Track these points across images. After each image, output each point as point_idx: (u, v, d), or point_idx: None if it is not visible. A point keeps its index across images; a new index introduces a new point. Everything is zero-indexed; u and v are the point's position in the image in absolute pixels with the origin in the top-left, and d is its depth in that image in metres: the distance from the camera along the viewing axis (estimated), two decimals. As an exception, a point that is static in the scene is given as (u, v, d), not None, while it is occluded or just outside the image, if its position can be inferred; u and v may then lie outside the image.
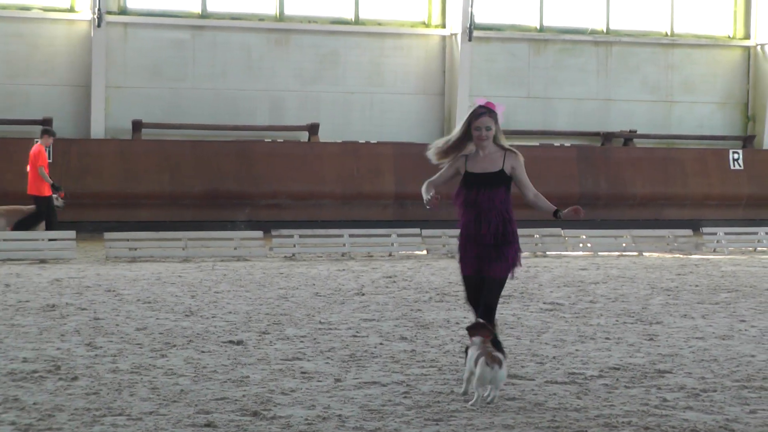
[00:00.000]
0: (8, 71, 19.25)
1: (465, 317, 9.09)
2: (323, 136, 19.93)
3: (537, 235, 16.18)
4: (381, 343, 7.78)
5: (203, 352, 7.38)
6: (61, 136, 18.67)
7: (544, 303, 10.12)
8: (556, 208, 6.51)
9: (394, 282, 11.85)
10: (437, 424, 5.37)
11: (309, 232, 15.67)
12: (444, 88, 21.20)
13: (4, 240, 14.38)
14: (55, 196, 15.49)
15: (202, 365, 6.89)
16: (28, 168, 15.48)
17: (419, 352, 7.42)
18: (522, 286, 11.47)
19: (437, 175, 6.64)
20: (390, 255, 15.50)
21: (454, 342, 7.85)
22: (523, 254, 17.38)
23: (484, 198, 6.36)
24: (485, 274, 6.36)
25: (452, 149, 6.51)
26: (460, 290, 11.08)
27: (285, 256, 14.96)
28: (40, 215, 15.40)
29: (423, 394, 6.07)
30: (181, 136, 19.49)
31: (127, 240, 14.84)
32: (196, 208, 18.30)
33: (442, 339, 7.99)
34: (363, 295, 10.66)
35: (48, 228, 15.26)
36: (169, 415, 5.49)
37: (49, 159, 16.58)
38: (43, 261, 14.00)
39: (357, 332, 8.29)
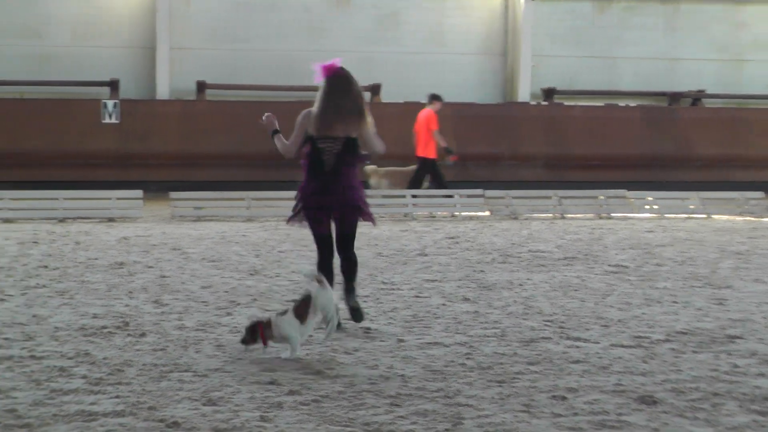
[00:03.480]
0: (75, 34, 19.52)
1: (528, 278, 9.03)
2: (384, 97, 19.85)
3: (602, 197, 15.95)
4: (444, 304, 7.77)
5: (267, 310, 7.45)
6: (127, 97, 18.91)
7: (609, 265, 9.99)
8: None
9: (457, 243, 11.81)
10: (500, 386, 5.34)
11: (371, 192, 15.66)
12: (506, 49, 20.93)
13: (74, 199, 14.68)
14: (447, 158, 16.19)
15: (266, 324, 6.95)
16: (416, 131, 16.22)
17: (482, 314, 7.40)
18: (586, 248, 11.34)
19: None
20: (452, 216, 15.45)
21: (517, 303, 7.80)
22: (588, 216, 16.88)
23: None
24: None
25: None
26: (523, 252, 11.01)
27: (347, 217, 14.98)
28: (420, 175, 16.19)
29: (485, 355, 6.04)
30: (242, 97, 19.59)
31: (192, 200, 15.02)
32: (258, 168, 18.37)
33: (505, 300, 7.95)
34: (425, 255, 10.65)
35: (439, 187, 16.09)
36: (234, 372, 5.56)
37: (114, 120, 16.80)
38: (111, 219, 14.25)
39: (419, 293, 8.29)
